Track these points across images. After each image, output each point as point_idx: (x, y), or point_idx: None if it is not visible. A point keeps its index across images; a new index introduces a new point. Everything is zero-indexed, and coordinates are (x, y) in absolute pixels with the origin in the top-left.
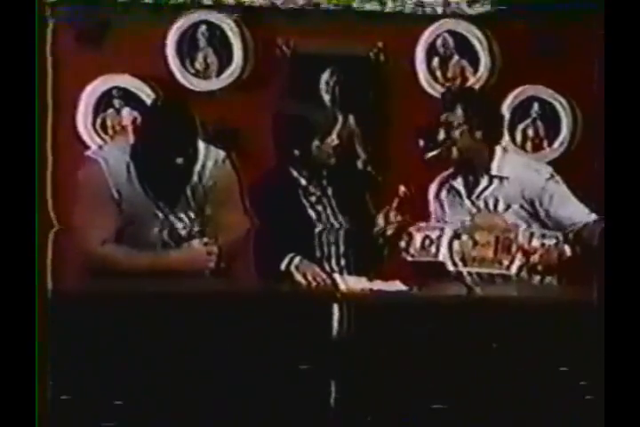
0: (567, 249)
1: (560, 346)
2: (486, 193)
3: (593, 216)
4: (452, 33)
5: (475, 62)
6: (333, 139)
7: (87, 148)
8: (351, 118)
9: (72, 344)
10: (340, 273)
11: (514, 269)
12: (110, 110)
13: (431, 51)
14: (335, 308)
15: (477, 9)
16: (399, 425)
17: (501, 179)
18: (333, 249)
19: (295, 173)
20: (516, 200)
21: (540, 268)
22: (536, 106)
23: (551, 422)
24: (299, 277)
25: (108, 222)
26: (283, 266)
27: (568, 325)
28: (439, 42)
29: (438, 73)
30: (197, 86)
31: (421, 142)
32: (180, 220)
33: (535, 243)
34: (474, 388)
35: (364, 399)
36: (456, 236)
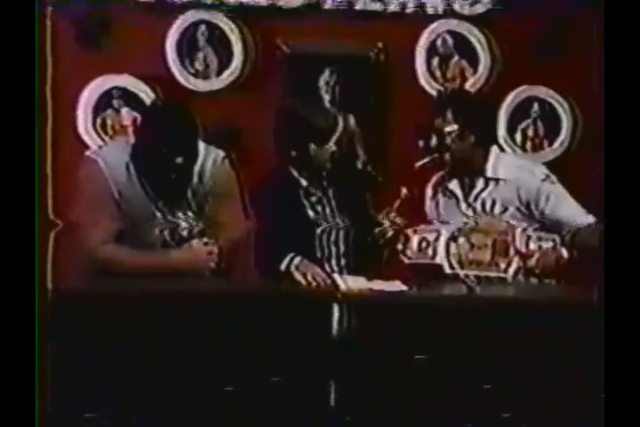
0: (564, 252)
1: (560, 346)
2: (483, 195)
3: (590, 217)
4: (451, 33)
5: (474, 62)
6: (334, 139)
7: (87, 148)
8: (351, 118)
9: (72, 344)
10: (340, 273)
11: (511, 272)
12: (110, 110)
13: (431, 51)
14: (335, 308)
15: (477, 9)
16: (399, 425)
17: (497, 181)
18: (333, 249)
19: (295, 174)
20: (512, 202)
21: (537, 271)
22: (536, 106)
23: (551, 423)
24: (299, 277)
25: (109, 222)
26: (283, 266)
27: (568, 325)
28: (439, 42)
29: (438, 73)
30: (197, 86)
31: (421, 143)
32: (181, 220)
33: (532, 246)
34: (474, 388)
35: (363, 399)
36: (453, 238)
